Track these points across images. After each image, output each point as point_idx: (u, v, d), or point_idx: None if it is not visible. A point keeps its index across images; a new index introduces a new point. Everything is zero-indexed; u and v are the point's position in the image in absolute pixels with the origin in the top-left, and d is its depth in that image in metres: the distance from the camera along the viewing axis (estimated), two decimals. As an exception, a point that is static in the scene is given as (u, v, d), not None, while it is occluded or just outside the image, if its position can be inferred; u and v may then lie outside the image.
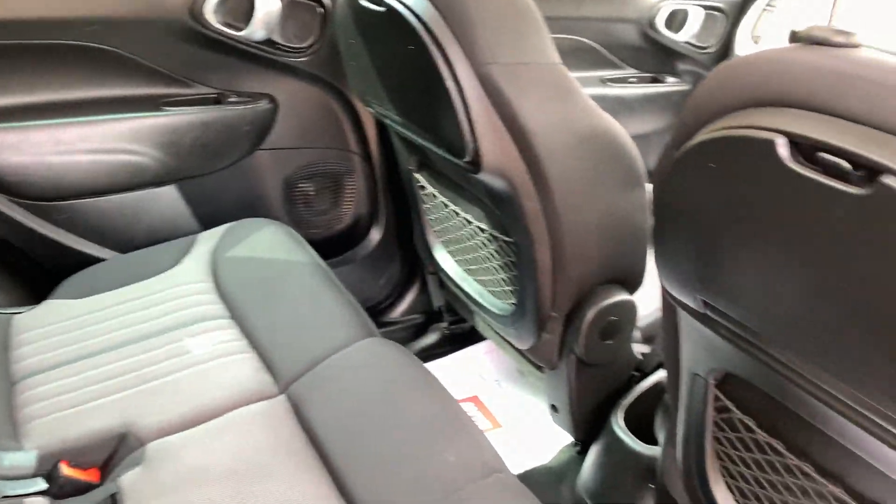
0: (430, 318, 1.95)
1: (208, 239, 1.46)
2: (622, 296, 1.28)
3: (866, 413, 0.66)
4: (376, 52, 1.30)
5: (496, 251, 1.36)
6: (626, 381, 1.41)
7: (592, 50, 2.05)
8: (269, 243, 1.40)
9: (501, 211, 1.24)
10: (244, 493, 0.90)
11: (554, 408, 1.45)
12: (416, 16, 1.10)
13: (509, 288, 1.37)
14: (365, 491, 0.89)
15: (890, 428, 0.64)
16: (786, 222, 0.64)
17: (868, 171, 0.56)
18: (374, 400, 1.02)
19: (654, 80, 2.11)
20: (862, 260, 0.59)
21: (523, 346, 1.39)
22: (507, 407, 1.72)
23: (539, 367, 1.45)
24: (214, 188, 1.58)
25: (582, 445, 1.46)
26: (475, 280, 1.51)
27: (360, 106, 1.67)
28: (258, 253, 1.37)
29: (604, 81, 2.04)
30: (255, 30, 1.49)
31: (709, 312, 0.79)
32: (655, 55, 2.10)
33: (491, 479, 0.87)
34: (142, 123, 1.48)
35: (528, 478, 1.50)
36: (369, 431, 0.96)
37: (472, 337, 1.92)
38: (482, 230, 1.37)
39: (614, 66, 2.10)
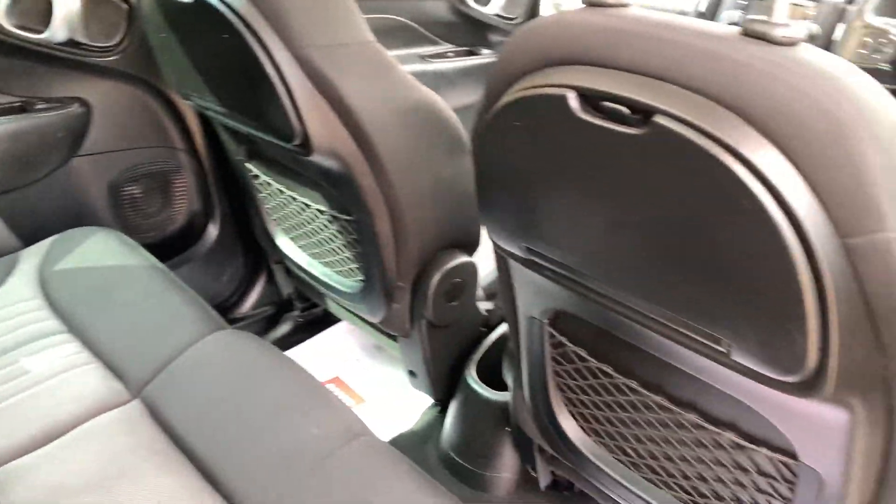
0: (280, 308, 1.95)
1: (33, 255, 1.38)
2: (462, 258, 1.35)
3: (674, 327, 0.76)
4: (190, 45, 1.28)
5: (338, 231, 1.39)
6: (475, 338, 1.50)
7: (408, 28, 2.10)
8: (100, 251, 1.35)
9: (338, 190, 1.27)
10: (107, 501, 0.88)
11: (412, 373, 1.51)
12: (227, 4, 1.11)
13: (355, 265, 1.41)
14: (234, 475, 0.90)
15: (695, 336, 0.74)
16: (583, 167, 0.72)
17: (643, 114, 0.64)
18: (231, 389, 1.03)
19: (470, 53, 2.20)
20: (646, 192, 0.68)
21: (375, 319, 1.43)
22: (369, 382, 1.76)
23: (393, 337, 1.51)
24: (33, 201, 1.49)
25: (442, 405, 1.53)
26: (321, 263, 1.53)
27: (179, 101, 1.64)
28: (89, 262, 1.32)
29: (423, 58, 2.10)
30: (56, 31, 1.42)
31: (533, 258, 0.87)
32: (469, 29, 2.19)
33: (356, 443, 0.91)
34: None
35: (394, 444, 1.55)
36: (230, 419, 0.97)
37: (328, 320, 1.95)
38: (321, 212, 1.39)
39: (431, 43, 2.17)
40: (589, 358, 0.99)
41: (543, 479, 1.30)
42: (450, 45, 2.19)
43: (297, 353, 1.87)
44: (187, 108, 1.65)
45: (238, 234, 1.79)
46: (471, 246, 1.38)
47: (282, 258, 1.65)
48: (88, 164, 1.56)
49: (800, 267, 0.60)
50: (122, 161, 1.61)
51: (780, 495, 0.85)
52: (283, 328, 1.94)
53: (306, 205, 1.41)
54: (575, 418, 1.10)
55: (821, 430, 0.74)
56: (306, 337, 1.94)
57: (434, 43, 2.17)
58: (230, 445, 0.94)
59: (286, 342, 1.90)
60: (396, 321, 1.40)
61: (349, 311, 1.61)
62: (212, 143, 1.68)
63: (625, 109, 0.66)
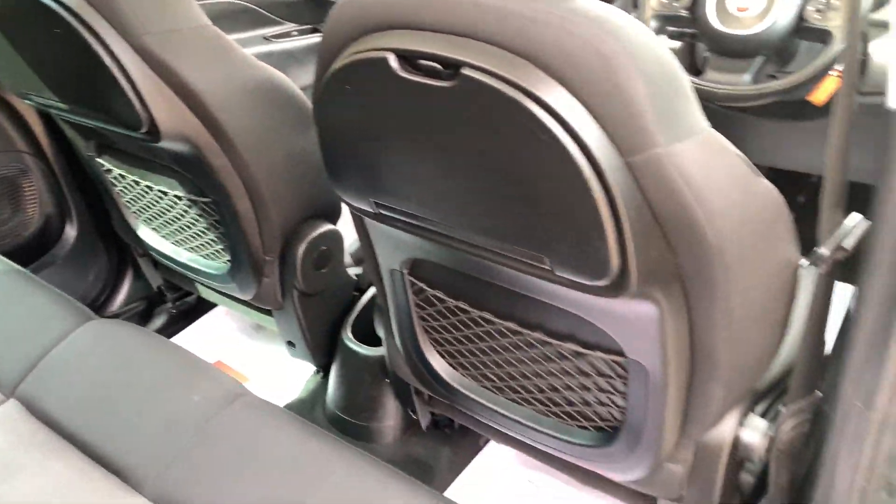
0: (152, 301, 1.94)
1: None
2: (326, 227, 1.42)
3: (507, 254, 0.86)
4: (22, 43, 1.26)
5: (198, 215, 1.42)
6: (349, 302, 1.57)
7: (249, 10, 2.12)
8: (-49, 262, 1.32)
9: (192, 174, 1.30)
10: (-6, 497, 0.90)
11: (291, 344, 1.57)
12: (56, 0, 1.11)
13: (220, 246, 1.44)
14: (122, 452, 0.94)
15: (524, 259, 0.85)
16: (410, 122, 0.81)
17: (453, 68, 0.73)
18: (108, 374, 1.05)
19: (314, 31, 2.24)
20: (464, 138, 0.77)
21: (247, 297, 1.47)
22: (252, 360, 1.80)
23: (268, 312, 1.56)
24: None
25: (324, 371, 1.60)
26: (186, 249, 1.55)
27: (18, 102, 1.59)
28: (-59, 274, 1.29)
29: (267, 39, 2.12)
30: None
31: (382, 212, 0.95)
32: (310, 7, 2.22)
33: (237, 404, 0.97)
34: None
35: (283, 414, 1.61)
36: (111, 401, 1.00)
37: (203, 307, 1.96)
38: (179, 198, 1.41)
39: (275, 23, 2.19)
40: (447, 298, 1.09)
41: (424, 420, 1.40)
42: (293, 25, 2.22)
43: (176, 342, 1.87)
44: (27, 109, 1.61)
45: (98, 231, 1.77)
46: (333, 214, 1.45)
47: (146, 250, 1.65)
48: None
49: (592, 185, 0.71)
50: (-39, 169, 1.56)
51: (618, 390, 0.98)
52: (158, 321, 1.93)
53: (163, 192, 1.43)
54: (443, 356, 1.19)
55: (637, 325, 0.86)
56: (183, 326, 1.95)
57: (278, 23, 2.19)
58: (114, 425, 0.98)
59: (163, 334, 1.89)
60: (268, 295, 1.44)
61: (221, 293, 1.64)
62: (59, 143, 1.65)
63: (437, 65, 0.75)
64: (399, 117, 0.81)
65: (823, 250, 0.79)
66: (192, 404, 0.96)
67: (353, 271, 1.57)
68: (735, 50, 1.51)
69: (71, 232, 1.73)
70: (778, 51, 1.42)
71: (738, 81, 1.48)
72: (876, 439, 0.82)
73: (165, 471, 0.90)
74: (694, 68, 1.62)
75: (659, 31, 1.64)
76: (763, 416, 1.03)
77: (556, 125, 0.70)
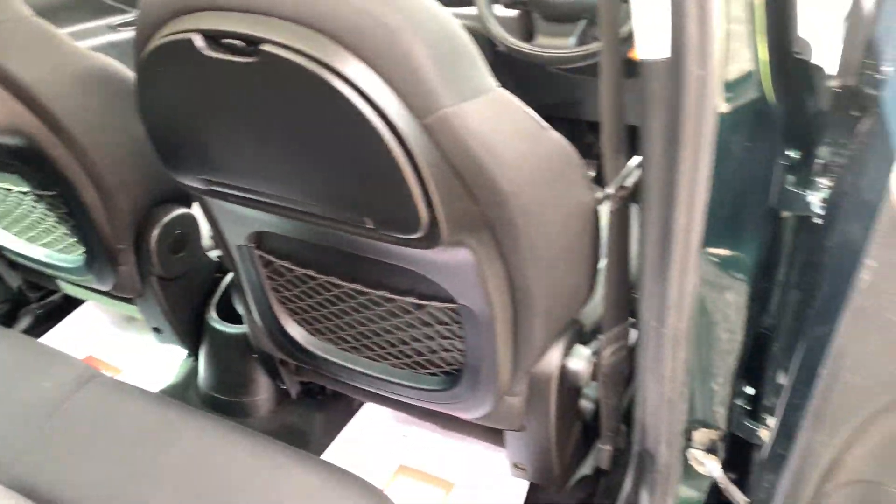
0: (15, 303, 1.90)
1: None
2: (179, 210, 1.43)
3: (336, 218, 0.92)
4: None
5: (47, 209, 1.41)
6: (212, 284, 1.59)
7: (91, 0, 2.07)
8: None
9: (33, 167, 1.29)
10: None
11: (157, 330, 1.58)
12: None
13: (73, 238, 1.44)
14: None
15: (350, 221, 0.91)
16: (220, 98, 0.85)
17: (255, 45, 0.78)
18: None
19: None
20: (272, 111, 0.82)
21: (107, 287, 1.48)
22: (125, 352, 1.80)
23: (131, 301, 1.56)
24: None
25: (194, 353, 1.62)
26: (40, 245, 1.53)
27: None
28: None
29: (113, 28, 2.09)
30: None
31: (214, 188, 0.99)
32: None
33: (90, 385, 0.99)
34: None
35: (158, 400, 1.62)
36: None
37: (71, 303, 1.93)
38: (25, 194, 1.40)
39: (120, 12, 2.15)
40: (294, 268, 1.14)
41: (293, 390, 1.45)
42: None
43: (46, 341, 1.84)
44: None
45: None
46: (186, 198, 1.47)
47: (0, 251, 1.62)
48: None
49: (393, 147, 0.78)
50: None
51: (456, 335, 1.07)
52: (24, 322, 1.89)
53: (7, 189, 1.41)
54: (300, 325, 1.25)
55: (460, 273, 0.94)
56: (52, 325, 1.91)
57: (123, 11, 2.15)
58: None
59: (31, 335, 1.86)
60: (127, 284, 1.45)
61: (83, 286, 1.63)
62: None
63: (240, 43, 0.79)
64: (211, 95, 0.85)
65: (609, 190, 0.89)
66: (43, 390, 0.98)
67: (215, 253, 1.59)
68: (561, 14, 1.62)
69: (-85, 239, 1.66)
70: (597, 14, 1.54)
71: (564, 45, 1.59)
72: (672, 353, 0.94)
73: (19, 457, 0.92)
74: (528, 34, 1.72)
75: (494, 1, 1.73)
76: (589, 346, 1.14)
77: (353, 94, 0.76)
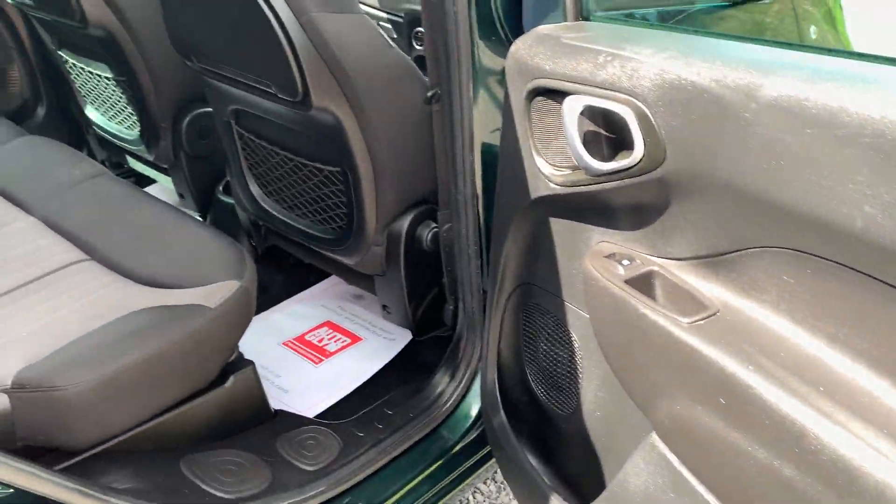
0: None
1: None
2: (207, 108, 1.99)
3: (262, 87, 1.43)
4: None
5: (121, 92, 2.00)
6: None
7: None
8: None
9: (112, 56, 1.88)
10: None
11: (181, 195, 2.14)
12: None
13: (135, 117, 2.02)
14: (25, 192, 1.53)
15: (268, 90, 1.41)
16: (199, 4, 1.39)
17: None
18: (28, 159, 1.65)
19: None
20: (220, 9, 1.35)
21: (151, 157, 2.05)
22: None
23: (167, 171, 2.13)
24: None
25: (205, 217, 2.15)
26: (115, 123, 2.13)
27: (9, 7, 2.20)
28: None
29: None
30: None
31: (205, 67, 1.53)
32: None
33: (102, 177, 1.55)
34: None
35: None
36: (30, 172, 1.60)
37: (139, 178, 2.48)
38: (108, 79, 2.00)
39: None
40: (254, 139, 1.66)
41: (259, 248, 1.96)
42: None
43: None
44: (15, 12, 2.21)
45: (61, 113, 2.37)
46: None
47: (90, 126, 2.23)
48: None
49: (279, 34, 1.28)
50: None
51: (344, 193, 1.54)
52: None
53: (98, 75, 2.02)
54: (259, 187, 1.77)
55: (334, 137, 1.43)
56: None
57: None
58: (29, 178, 1.57)
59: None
60: (164, 155, 2.02)
61: (142, 161, 2.21)
62: (36, 41, 2.25)
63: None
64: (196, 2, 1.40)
65: (428, 94, 1.35)
66: (72, 175, 1.55)
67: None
68: None
69: (41, 111, 2.33)
70: None
71: None
72: (465, 213, 1.37)
73: (48, 203, 1.49)
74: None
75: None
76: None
77: (261, -2, 1.27)
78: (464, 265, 1.44)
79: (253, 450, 1.37)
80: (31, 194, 1.52)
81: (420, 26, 1.89)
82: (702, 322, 0.94)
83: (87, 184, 1.52)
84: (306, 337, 1.86)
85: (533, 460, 1.41)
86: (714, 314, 0.96)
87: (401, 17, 1.93)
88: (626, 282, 1.03)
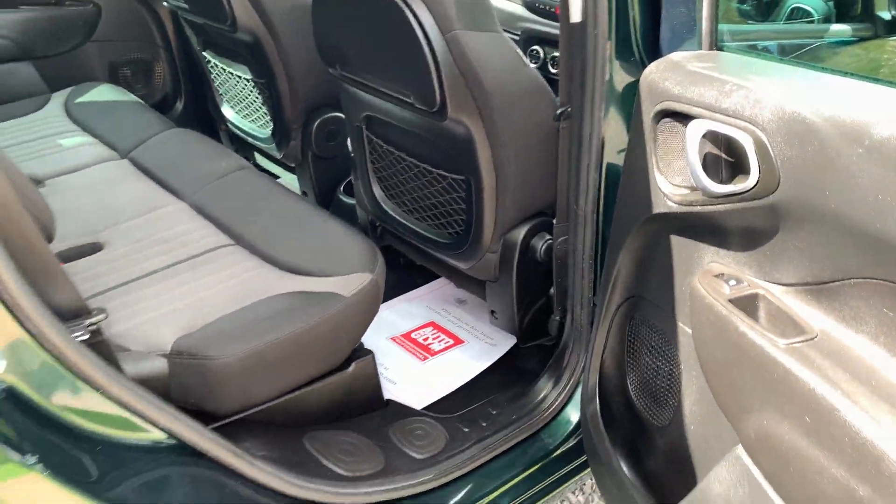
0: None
1: (58, 96, 2.15)
2: (335, 113, 2.12)
3: (400, 97, 1.53)
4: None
5: (258, 93, 2.15)
6: (347, 173, 2.27)
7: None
8: (104, 91, 2.13)
9: (255, 59, 2.03)
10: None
11: (304, 193, 2.28)
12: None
13: (268, 117, 2.17)
14: (176, 181, 1.68)
15: (407, 99, 1.51)
16: (346, 17, 1.50)
17: (370, -19, 1.43)
18: (174, 150, 1.80)
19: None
20: (365, 21, 1.45)
21: (279, 155, 2.19)
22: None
23: (293, 170, 2.27)
24: (60, 65, 2.26)
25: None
26: (249, 121, 2.29)
27: (161, 8, 2.39)
28: (98, 97, 2.09)
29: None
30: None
31: (344, 74, 1.65)
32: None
33: (245, 170, 1.69)
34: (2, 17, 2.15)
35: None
36: (175, 161, 1.75)
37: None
38: (247, 81, 2.16)
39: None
40: (385, 144, 1.77)
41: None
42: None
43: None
44: (167, 14, 2.40)
45: (196, 109, 2.55)
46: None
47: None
48: (97, 48, 2.33)
49: (424, 48, 1.38)
50: (119, 48, 2.37)
51: (465, 201, 1.63)
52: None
53: (238, 76, 2.18)
54: (382, 189, 1.87)
55: (463, 147, 1.51)
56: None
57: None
58: (175, 169, 1.72)
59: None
60: (292, 154, 2.16)
61: (270, 158, 2.35)
62: (182, 40, 2.44)
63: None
64: (344, 16, 1.51)
65: (558, 111, 1.43)
66: (219, 166, 1.69)
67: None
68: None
69: (179, 105, 2.52)
70: None
71: None
72: (582, 229, 1.44)
73: (198, 190, 1.63)
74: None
75: None
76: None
77: (407, 11, 1.37)
78: (577, 278, 1.50)
79: (367, 434, 1.46)
80: (182, 182, 1.67)
81: (535, 45, 2.02)
82: (798, 344, 0.99)
83: (232, 175, 1.66)
84: (412, 335, 1.95)
85: (626, 469, 1.46)
86: (812, 339, 1.00)
87: (517, 35, 2.04)
88: (731, 301, 1.08)
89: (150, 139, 1.86)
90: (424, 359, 1.86)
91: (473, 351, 1.88)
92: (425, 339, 1.94)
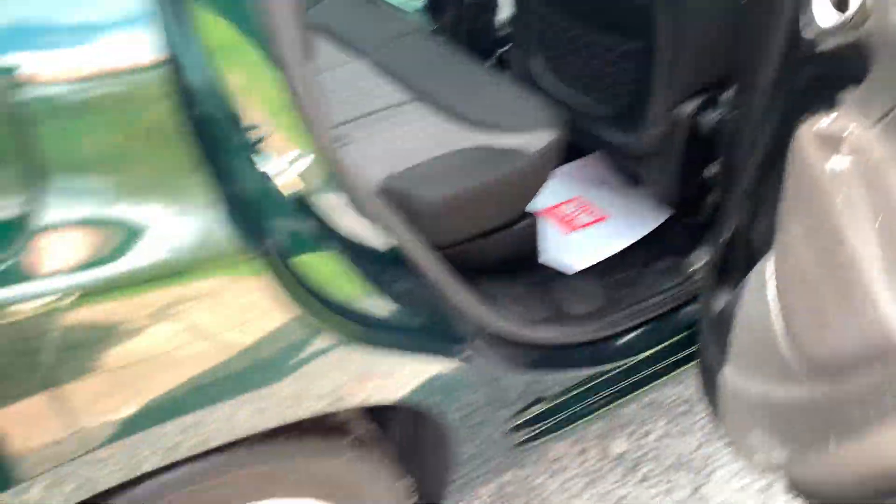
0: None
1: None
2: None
3: None
4: None
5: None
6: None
7: None
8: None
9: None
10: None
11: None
12: None
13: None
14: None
15: None
16: None
17: None
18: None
19: None
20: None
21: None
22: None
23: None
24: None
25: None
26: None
27: None
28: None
29: None
30: None
31: None
32: None
33: (418, 33, 1.75)
34: None
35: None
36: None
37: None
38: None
39: None
40: (551, 11, 1.78)
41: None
42: None
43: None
44: None
45: None
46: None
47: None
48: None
49: None
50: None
51: (636, 71, 1.64)
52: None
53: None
54: (544, 60, 1.89)
55: (641, 13, 1.52)
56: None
57: None
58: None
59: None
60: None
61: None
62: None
63: None
64: None
65: None
66: (399, 27, 1.75)
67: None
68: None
69: None
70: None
71: None
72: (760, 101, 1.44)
73: (377, 49, 1.70)
74: None
75: None
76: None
77: None
78: (745, 154, 1.52)
79: (530, 287, 1.56)
80: (361, 40, 1.74)
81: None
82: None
83: (410, 36, 1.72)
84: (558, 209, 2.02)
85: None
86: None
87: None
88: (815, 133, 1.10)
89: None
90: (570, 231, 1.93)
91: (622, 224, 1.93)
92: (572, 212, 2.01)
